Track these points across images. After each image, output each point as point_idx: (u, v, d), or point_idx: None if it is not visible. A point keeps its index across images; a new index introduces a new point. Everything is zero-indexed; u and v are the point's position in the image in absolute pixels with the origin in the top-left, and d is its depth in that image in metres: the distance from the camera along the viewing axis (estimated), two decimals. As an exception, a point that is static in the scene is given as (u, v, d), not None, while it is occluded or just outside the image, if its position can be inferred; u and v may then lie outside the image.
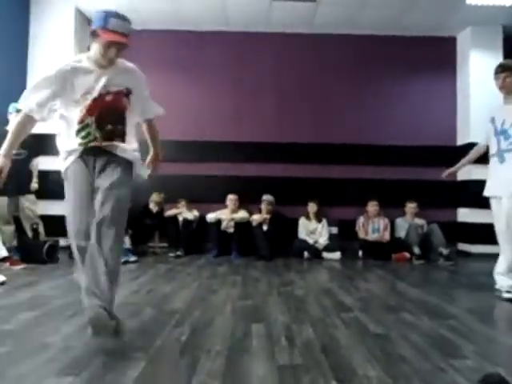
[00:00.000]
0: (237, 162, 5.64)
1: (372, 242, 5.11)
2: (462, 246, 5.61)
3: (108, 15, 1.87)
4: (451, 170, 3.54)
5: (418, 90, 5.87)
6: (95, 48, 1.92)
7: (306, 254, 4.90)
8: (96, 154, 1.93)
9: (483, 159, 5.51)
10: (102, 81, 1.92)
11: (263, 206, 5.13)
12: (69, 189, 1.96)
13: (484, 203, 5.46)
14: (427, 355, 1.75)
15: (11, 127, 1.95)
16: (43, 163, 5.16)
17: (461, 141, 5.74)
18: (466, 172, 5.61)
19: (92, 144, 1.91)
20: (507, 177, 2.93)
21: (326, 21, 5.49)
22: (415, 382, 1.48)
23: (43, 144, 5.21)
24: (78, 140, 1.92)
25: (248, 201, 5.31)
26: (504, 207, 2.97)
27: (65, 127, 1.99)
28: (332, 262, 4.65)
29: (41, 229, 4.41)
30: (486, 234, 5.38)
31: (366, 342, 1.90)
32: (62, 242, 4.82)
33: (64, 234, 5.30)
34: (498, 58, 5.53)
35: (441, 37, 5.85)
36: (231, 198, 5.17)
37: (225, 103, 5.61)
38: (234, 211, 5.16)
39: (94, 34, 1.90)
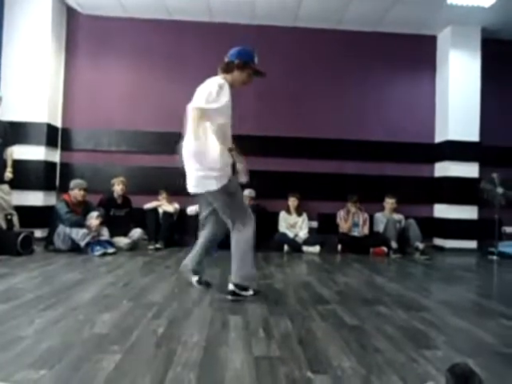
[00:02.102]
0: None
1: (351, 236, 5.18)
2: (437, 241, 5.77)
3: (254, 55, 2.51)
4: None
5: (398, 87, 5.95)
6: (238, 76, 2.49)
7: (285, 247, 4.94)
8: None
9: (460, 156, 5.70)
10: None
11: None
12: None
13: (458, 200, 5.66)
14: (400, 346, 1.79)
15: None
16: (19, 152, 5.03)
17: (439, 138, 5.87)
18: (442, 169, 5.77)
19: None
20: None
21: (310, 14, 5.49)
22: (388, 372, 1.52)
23: (19, 132, 5.08)
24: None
25: (229, 194, 5.29)
26: None
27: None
28: (311, 256, 4.70)
29: (15, 219, 4.29)
30: (459, 229, 5.58)
31: (341, 334, 1.93)
32: (37, 233, 4.73)
33: (39, 225, 5.16)
34: (477, 59, 5.67)
35: (422, 35, 5.94)
36: (212, 191, 5.14)
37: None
38: (215, 204, 5.13)
39: (244, 65, 2.45)
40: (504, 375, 1.54)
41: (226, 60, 2.48)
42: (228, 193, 2.41)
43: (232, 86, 2.45)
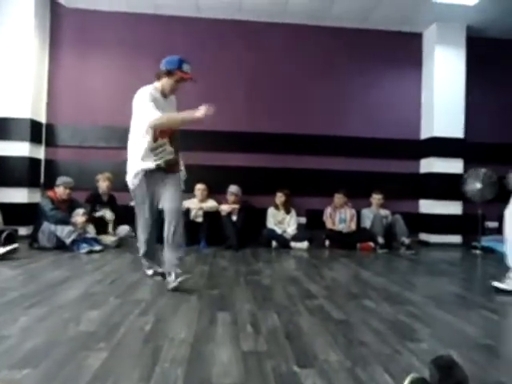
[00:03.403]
0: (206, 151, 5.59)
1: (338, 231, 5.22)
2: (423, 236, 5.85)
3: (181, 60, 2.65)
4: None
5: (384, 84, 6.00)
6: (166, 82, 2.68)
7: (274, 243, 4.96)
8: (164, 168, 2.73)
9: (444, 152, 5.79)
10: (167, 109, 2.68)
11: (228, 197, 5.12)
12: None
13: (443, 195, 5.75)
14: (385, 339, 1.82)
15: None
16: (2, 148, 4.94)
17: (424, 135, 5.94)
18: (428, 165, 5.85)
19: (163, 160, 2.69)
20: None
21: (298, 10, 5.49)
22: (373, 364, 1.54)
23: (2, 128, 4.98)
24: (153, 156, 2.67)
25: (217, 191, 5.28)
26: None
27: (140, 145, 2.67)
28: (299, 252, 4.73)
29: (-2, 217, 4.21)
30: (443, 224, 5.67)
31: (328, 328, 1.95)
32: (22, 230, 4.65)
33: (23, 222, 5.09)
34: (461, 56, 5.76)
35: (408, 32, 5.99)
36: (199, 188, 5.13)
37: (192, 91, 5.51)
38: (203, 201, 5.13)
39: (168, 73, 2.64)
40: (486, 366, 1.57)
41: (160, 68, 2.73)
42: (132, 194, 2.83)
43: (164, 91, 2.71)
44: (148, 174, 2.69)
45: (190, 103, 5.59)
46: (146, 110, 2.55)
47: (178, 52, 5.57)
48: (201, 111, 2.47)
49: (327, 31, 5.88)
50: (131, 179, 2.74)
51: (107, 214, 4.65)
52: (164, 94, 2.71)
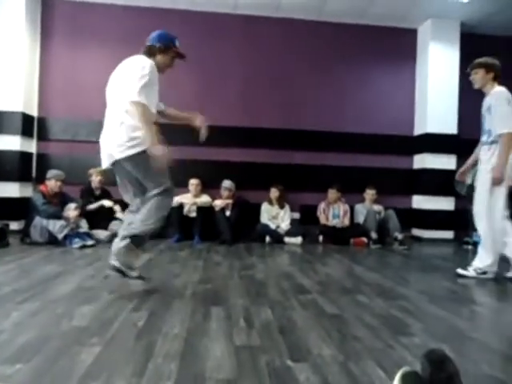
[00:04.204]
0: (200, 146, 5.53)
1: (332, 227, 5.24)
2: (415, 232, 5.89)
3: (175, 38, 2.55)
4: None
5: (378, 80, 6.00)
6: (161, 59, 2.49)
7: (267, 238, 4.96)
8: None
9: (438, 148, 5.80)
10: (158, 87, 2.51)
11: (222, 192, 5.11)
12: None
13: (436, 191, 5.77)
14: (378, 334, 1.83)
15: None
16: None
17: (417, 131, 5.96)
18: (421, 161, 5.88)
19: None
20: None
21: (293, 5, 5.46)
22: (366, 358, 1.55)
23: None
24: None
25: (210, 186, 5.27)
26: None
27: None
28: (293, 247, 4.74)
29: (-11, 212, 4.17)
30: (436, 220, 5.71)
31: (322, 323, 1.96)
32: (13, 225, 4.60)
33: (15, 217, 5.04)
34: (455, 52, 5.77)
35: (403, 28, 5.99)
36: (193, 183, 5.11)
37: (187, 86, 5.48)
38: (197, 196, 5.11)
39: (164, 49, 2.47)
40: (477, 360, 1.59)
41: (148, 44, 2.50)
42: None
43: (159, 69, 2.48)
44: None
45: (186, 97, 5.56)
46: (139, 87, 2.25)
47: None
48: (160, 151, 2.27)
49: (322, 26, 5.86)
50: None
51: (105, 202, 4.67)
52: (158, 71, 2.49)
